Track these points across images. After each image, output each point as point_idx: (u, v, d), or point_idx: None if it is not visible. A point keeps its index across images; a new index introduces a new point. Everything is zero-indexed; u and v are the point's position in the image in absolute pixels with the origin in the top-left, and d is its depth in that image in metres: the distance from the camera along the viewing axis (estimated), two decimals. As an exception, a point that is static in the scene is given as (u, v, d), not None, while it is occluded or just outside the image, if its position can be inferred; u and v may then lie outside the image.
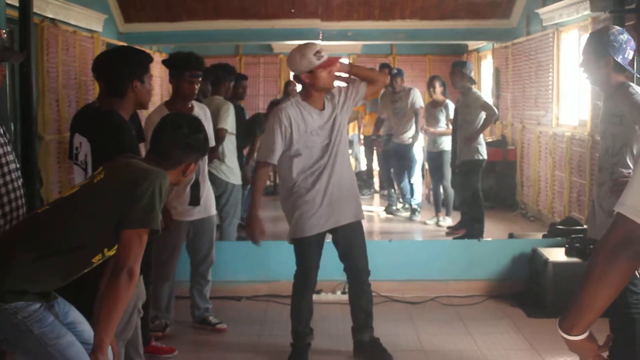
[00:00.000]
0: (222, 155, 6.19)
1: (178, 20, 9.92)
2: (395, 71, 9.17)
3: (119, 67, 3.59)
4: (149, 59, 3.73)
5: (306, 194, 4.47)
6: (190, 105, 5.01)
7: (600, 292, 1.90)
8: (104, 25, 8.69)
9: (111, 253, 2.88)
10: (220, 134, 5.96)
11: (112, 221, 2.79)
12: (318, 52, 4.37)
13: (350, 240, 4.63)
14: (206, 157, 4.99)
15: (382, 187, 11.03)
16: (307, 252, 4.57)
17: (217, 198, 5.76)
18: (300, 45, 4.47)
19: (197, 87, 4.99)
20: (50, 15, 7.02)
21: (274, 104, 8.05)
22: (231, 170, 6.24)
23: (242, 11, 9.88)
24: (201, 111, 5.05)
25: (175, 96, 5.03)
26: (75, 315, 2.92)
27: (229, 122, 6.12)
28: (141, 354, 3.83)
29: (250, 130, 7.92)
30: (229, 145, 6.30)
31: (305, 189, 4.47)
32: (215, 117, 5.81)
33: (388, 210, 9.68)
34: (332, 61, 4.39)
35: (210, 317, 5.32)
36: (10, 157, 3.22)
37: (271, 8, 9.93)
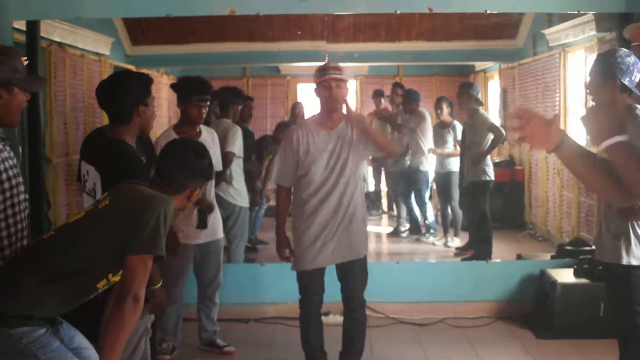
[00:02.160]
0: (229, 177, 6.20)
1: (185, 42, 9.96)
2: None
3: (123, 95, 3.54)
4: (150, 81, 3.69)
5: (309, 223, 4.45)
6: (198, 130, 5.03)
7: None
8: (111, 48, 8.72)
9: (116, 279, 2.87)
10: (228, 157, 5.97)
11: (117, 247, 2.78)
12: (323, 69, 4.40)
13: (353, 275, 4.57)
14: (213, 181, 4.99)
15: (390, 207, 11.00)
16: (307, 282, 4.56)
17: (225, 220, 5.75)
18: None
19: (205, 111, 5.01)
20: (58, 39, 7.05)
21: (282, 126, 8.07)
22: (238, 193, 6.25)
23: (248, 33, 9.91)
24: (209, 135, 5.06)
25: (183, 120, 5.05)
26: (81, 340, 2.91)
27: (237, 146, 6.14)
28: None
29: (259, 152, 7.93)
30: (237, 168, 6.31)
31: (309, 215, 4.45)
32: (223, 140, 5.83)
33: (396, 231, 9.65)
34: (327, 78, 4.35)
35: (218, 339, 5.30)
36: (21, 188, 3.14)
37: (278, 30, 9.96)
